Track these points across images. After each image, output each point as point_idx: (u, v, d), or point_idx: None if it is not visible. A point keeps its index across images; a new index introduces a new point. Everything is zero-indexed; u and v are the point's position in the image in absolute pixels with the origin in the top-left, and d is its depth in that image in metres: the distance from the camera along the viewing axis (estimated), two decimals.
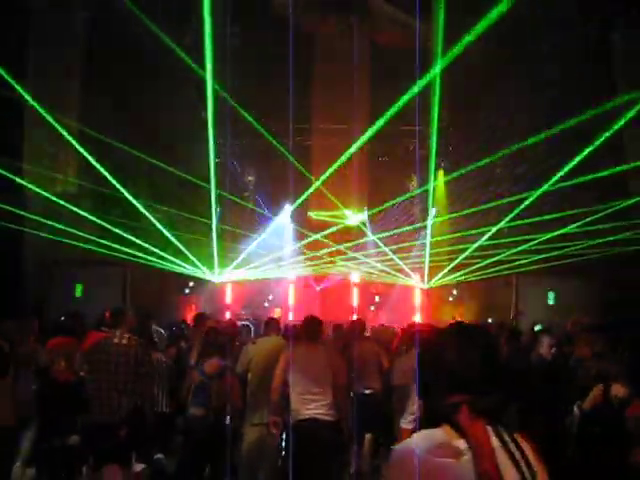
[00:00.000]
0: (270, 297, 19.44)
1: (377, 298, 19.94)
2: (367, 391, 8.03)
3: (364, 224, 17.37)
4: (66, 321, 8.81)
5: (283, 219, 16.79)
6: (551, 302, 16.02)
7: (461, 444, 1.80)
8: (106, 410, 5.67)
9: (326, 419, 5.98)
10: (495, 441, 1.83)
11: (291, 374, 6.07)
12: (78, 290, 15.27)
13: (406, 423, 5.58)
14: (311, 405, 5.97)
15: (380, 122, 11.10)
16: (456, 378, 1.91)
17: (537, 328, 9.29)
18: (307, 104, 17.67)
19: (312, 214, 17.78)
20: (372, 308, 19.25)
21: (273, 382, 6.20)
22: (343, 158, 13.04)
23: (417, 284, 17.35)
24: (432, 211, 15.04)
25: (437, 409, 1.91)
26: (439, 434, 1.85)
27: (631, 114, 9.67)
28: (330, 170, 13.11)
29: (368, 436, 8.11)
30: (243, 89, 15.24)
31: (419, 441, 1.86)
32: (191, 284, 17.95)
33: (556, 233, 12.89)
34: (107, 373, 5.72)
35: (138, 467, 6.12)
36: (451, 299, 18.28)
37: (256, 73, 15.81)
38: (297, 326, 9.64)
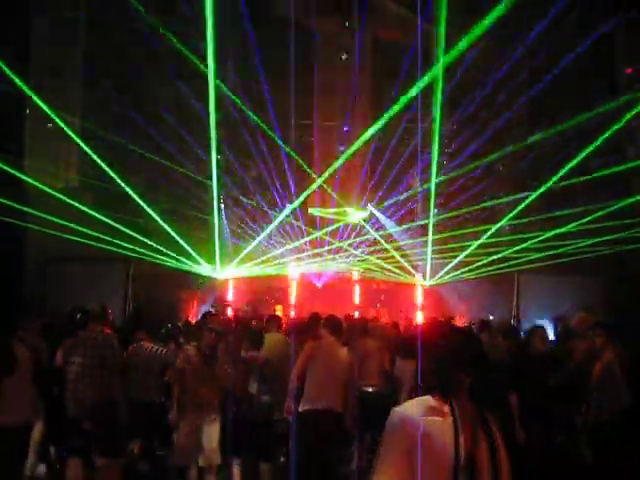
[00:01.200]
0: (273, 294, 19.41)
1: (378, 295, 19.88)
2: (370, 389, 8.02)
3: (365, 221, 17.35)
4: (81, 319, 8.81)
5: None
6: (553, 300, 16.01)
7: (446, 409, 2.43)
8: (71, 404, 5.81)
9: (336, 411, 6.27)
10: (476, 415, 2.47)
11: (312, 365, 6.40)
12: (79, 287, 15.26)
13: None
14: (325, 397, 6.23)
15: (382, 119, 11.08)
16: (466, 364, 2.50)
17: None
18: (309, 101, 17.64)
19: (312, 211, 17.73)
20: (378, 306, 19.19)
21: (293, 371, 6.59)
22: (345, 155, 13.04)
23: (419, 281, 17.34)
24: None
25: (446, 384, 2.49)
26: (431, 400, 2.47)
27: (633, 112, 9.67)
28: (332, 167, 13.10)
29: (368, 434, 8.11)
30: (246, 86, 15.25)
31: (416, 404, 2.50)
32: (194, 280, 17.94)
33: (558, 231, 12.89)
34: (78, 366, 5.94)
35: (99, 462, 6.07)
36: (454, 297, 18.24)
37: (258, 71, 15.76)
38: (298, 323, 9.69)
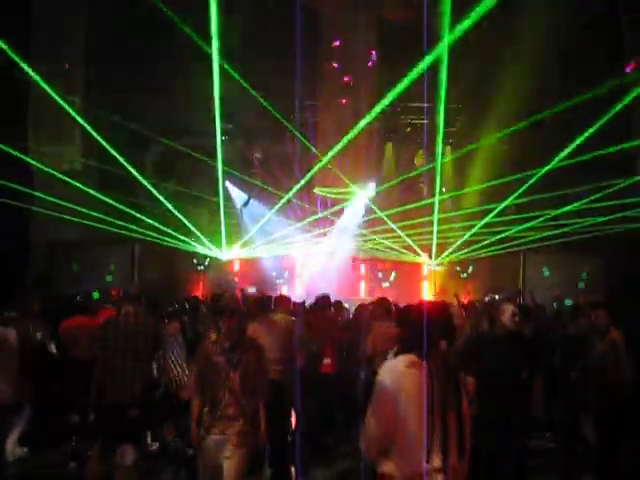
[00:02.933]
0: (280, 274, 19.43)
1: (385, 274, 19.87)
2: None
3: (372, 201, 17.33)
4: (82, 300, 8.83)
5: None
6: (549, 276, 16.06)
7: (422, 362, 3.14)
8: (118, 390, 5.56)
9: None
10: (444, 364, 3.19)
11: None
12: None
13: None
14: None
15: (387, 98, 11.04)
16: (443, 333, 3.25)
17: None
18: (314, 80, 17.55)
19: (317, 190, 17.71)
20: (387, 285, 19.19)
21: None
22: (350, 135, 12.98)
23: (425, 261, 17.35)
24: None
25: (419, 347, 3.16)
26: (411, 357, 3.19)
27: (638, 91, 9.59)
28: (338, 147, 13.06)
29: None
30: (250, 66, 15.18)
31: (401, 359, 3.22)
32: (199, 261, 17.99)
33: (563, 210, 12.87)
34: (117, 352, 5.59)
35: (153, 446, 6.10)
36: (462, 276, 18.24)
37: (262, 50, 15.67)
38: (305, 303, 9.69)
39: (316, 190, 17.73)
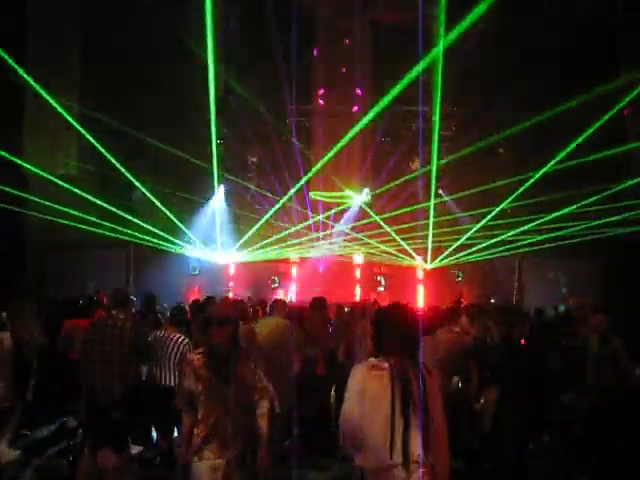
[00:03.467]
0: (274, 279, 19.40)
1: (380, 278, 19.87)
2: None
3: (367, 205, 17.34)
4: (83, 304, 8.80)
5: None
6: (553, 284, 16.06)
7: (385, 365, 3.36)
8: (99, 393, 5.59)
9: None
10: (410, 365, 3.37)
11: None
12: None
13: None
14: None
15: (382, 102, 11.06)
16: (392, 334, 3.46)
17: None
18: (309, 85, 17.58)
19: (312, 195, 17.71)
20: (381, 289, 19.19)
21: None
22: (345, 139, 13.00)
23: (420, 264, 17.34)
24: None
25: (386, 350, 3.43)
26: (375, 360, 3.41)
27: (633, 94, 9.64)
28: (332, 151, 13.07)
29: None
30: (245, 71, 15.21)
31: (365, 363, 3.45)
32: (196, 266, 17.97)
33: (558, 214, 12.89)
34: (101, 355, 5.63)
35: (135, 449, 6.04)
36: (456, 280, 18.24)
37: (257, 55, 15.69)
38: (302, 307, 9.67)
39: (311, 194, 17.73)
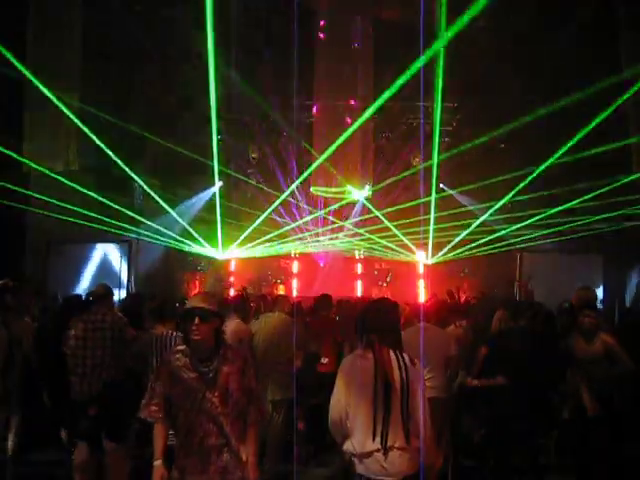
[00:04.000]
0: (276, 274, 19.39)
1: (382, 273, 19.83)
2: None
3: (368, 200, 17.32)
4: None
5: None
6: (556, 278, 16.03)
7: (370, 355, 3.64)
8: (77, 387, 5.69)
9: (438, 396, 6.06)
10: (392, 356, 3.65)
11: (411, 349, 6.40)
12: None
13: None
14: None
15: (383, 97, 11.02)
16: (373, 327, 3.76)
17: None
18: (309, 80, 17.53)
19: (314, 190, 17.69)
20: (384, 284, 19.16)
21: None
22: (346, 134, 12.97)
23: (421, 260, 17.32)
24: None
25: (366, 341, 3.72)
26: (361, 351, 3.73)
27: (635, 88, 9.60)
28: (333, 146, 13.04)
29: None
30: (245, 66, 15.17)
31: (353, 354, 3.86)
32: (196, 261, 17.97)
33: (559, 209, 12.86)
34: (81, 350, 5.72)
35: (109, 446, 5.98)
36: (460, 274, 18.21)
37: (258, 50, 15.67)
38: (304, 303, 9.68)
39: (312, 190, 17.70)
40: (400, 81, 9.92)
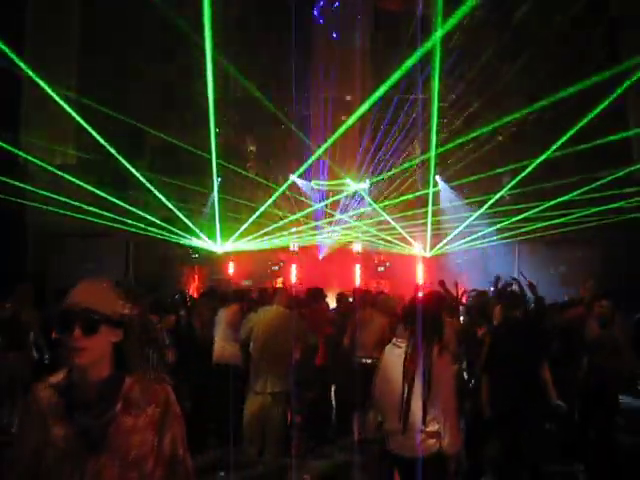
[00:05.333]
0: (274, 267, 19.42)
1: (380, 266, 19.87)
2: (368, 360, 8.00)
3: (366, 192, 17.33)
4: None
5: None
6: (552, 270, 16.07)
7: (404, 344, 4.00)
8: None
9: None
10: (422, 345, 3.90)
11: None
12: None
13: None
14: None
15: (381, 90, 11.01)
16: (411, 318, 4.02)
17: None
18: (308, 73, 17.52)
19: (313, 184, 17.70)
20: (381, 275, 19.19)
21: None
22: (344, 126, 12.97)
23: (419, 252, 17.34)
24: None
25: (407, 332, 4.04)
26: (398, 340, 4.08)
27: (634, 78, 9.59)
28: (332, 139, 13.04)
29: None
30: (243, 58, 15.15)
31: (391, 342, 4.17)
32: (195, 255, 17.97)
33: (557, 201, 12.87)
34: None
35: None
36: (455, 268, 18.23)
37: (256, 42, 15.65)
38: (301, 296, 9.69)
39: (312, 183, 17.72)
40: (398, 73, 9.92)
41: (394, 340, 4.17)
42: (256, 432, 6.82)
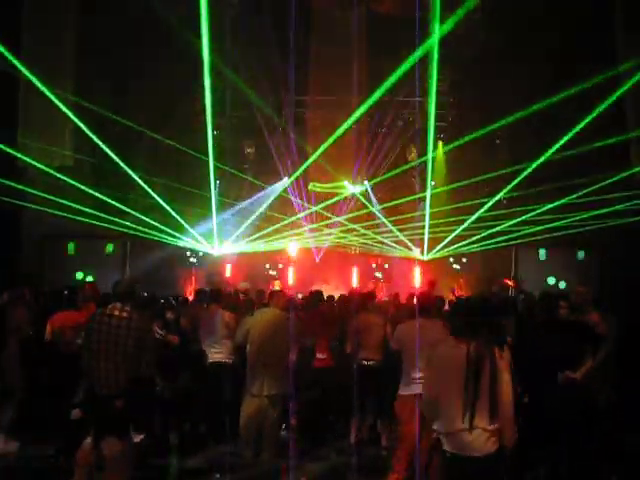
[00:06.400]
0: (270, 270, 19.39)
1: (377, 268, 19.86)
2: (369, 362, 7.99)
3: (364, 195, 17.33)
4: (70, 295, 8.79)
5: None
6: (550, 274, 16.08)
7: (463, 345, 4.00)
8: (103, 382, 5.51)
9: None
10: (483, 347, 4.00)
11: (406, 344, 6.32)
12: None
13: (405, 389, 6.04)
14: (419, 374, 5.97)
15: (378, 92, 11.01)
16: (469, 321, 4.15)
17: None
18: (304, 76, 17.52)
19: (312, 186, 17.70)
20: (379, 277, 19.18)
21: None
22: (341, 129, 12.97)
23: (416, 256, 17.33)
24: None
25: (464, 334, 4.08)
26: (453, 341, 4.10)
27: (633, 81, 9.61)
28: (329, 141, 13.04)
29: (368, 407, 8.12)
30: (240, 61, 15.16)
31: (447, 342, 4.17)
32: (192, 257, 17.94)
33: (555, 204, 12.88)
34: (105, 344, 5.51)
35: (137, 437, 6.05)
36: (453, 270, 18.23)
37: (253, 45, 15.65)
38: (301, 299, 9.68)
39: (310, 186, 17.72)
40: (395, 76, 9.92)
41: (448, 342, 4.20)
42: (252, 434, 6.82)
